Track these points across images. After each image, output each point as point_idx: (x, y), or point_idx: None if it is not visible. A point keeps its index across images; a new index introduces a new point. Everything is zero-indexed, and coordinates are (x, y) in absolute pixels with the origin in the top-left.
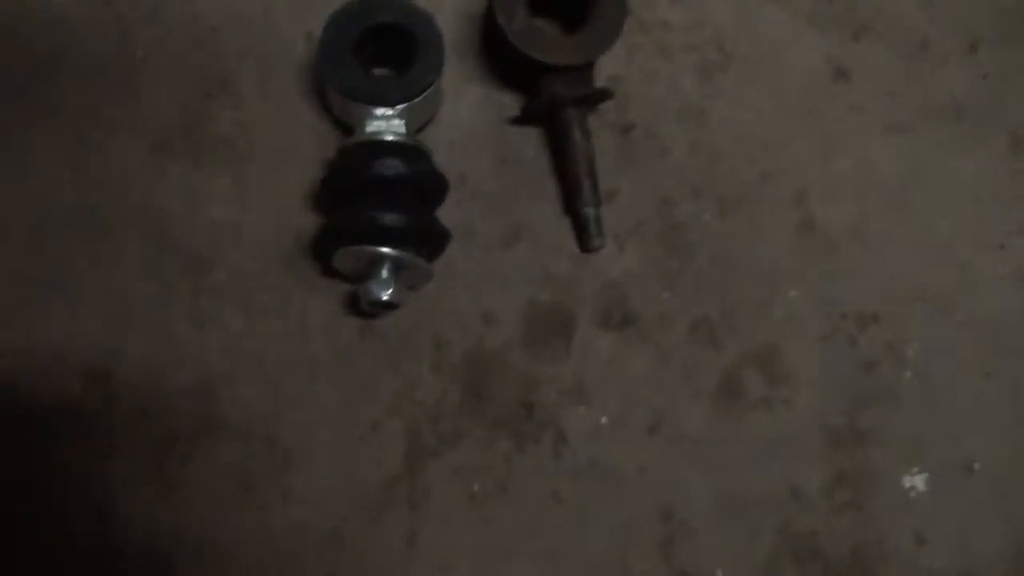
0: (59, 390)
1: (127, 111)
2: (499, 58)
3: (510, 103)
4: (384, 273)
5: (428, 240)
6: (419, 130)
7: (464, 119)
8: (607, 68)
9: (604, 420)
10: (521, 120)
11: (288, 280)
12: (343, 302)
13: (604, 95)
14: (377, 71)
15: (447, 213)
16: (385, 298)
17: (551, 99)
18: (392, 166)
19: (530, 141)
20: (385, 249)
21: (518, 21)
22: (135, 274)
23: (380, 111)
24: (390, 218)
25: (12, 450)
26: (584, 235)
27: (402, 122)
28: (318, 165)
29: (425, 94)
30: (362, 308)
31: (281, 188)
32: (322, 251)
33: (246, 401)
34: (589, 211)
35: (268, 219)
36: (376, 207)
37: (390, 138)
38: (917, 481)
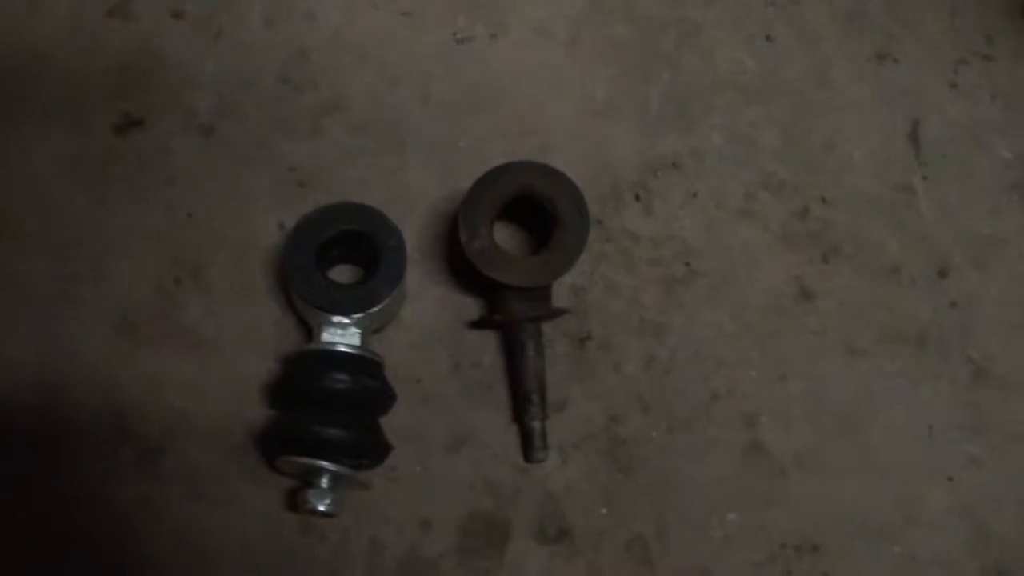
0: None
1: (96, 290)
2: (461, 266)
3: (471, 306)
4: (323, 484)
5: (369, 453)
6: (378, 330)
7: (424, 320)
8: (569, 276)
9: None
10: (479, 325)
11: (235, 472)
12: (286, 498)
13: (559, 313)
14: (340, 269)
15: (397, 414)
16: (322, 508)
17: (507, 315)
18: (340, 380)
19: (488, 346)
20: (324, 463)
21: (480, 240)
22: (91, 456)
23: (336, 319)
24: (332, 433)
25: None
26: (529, 447)
27: (358, 331)
28: (278, 359)
29: (382, 305)
30: (301, 511)
31: (239, 380)
32: (265, 453)
33: None
34: (535, 425)
35: (224, 410)
36: (320, 420)
37: (343, 349)
38: None
